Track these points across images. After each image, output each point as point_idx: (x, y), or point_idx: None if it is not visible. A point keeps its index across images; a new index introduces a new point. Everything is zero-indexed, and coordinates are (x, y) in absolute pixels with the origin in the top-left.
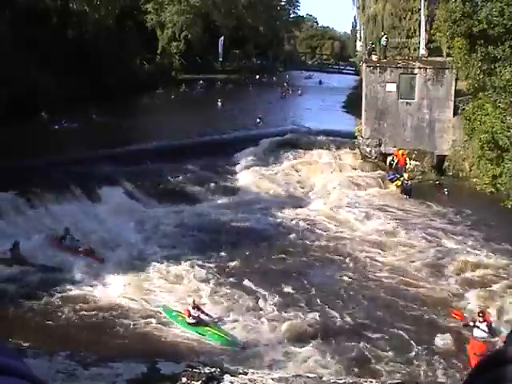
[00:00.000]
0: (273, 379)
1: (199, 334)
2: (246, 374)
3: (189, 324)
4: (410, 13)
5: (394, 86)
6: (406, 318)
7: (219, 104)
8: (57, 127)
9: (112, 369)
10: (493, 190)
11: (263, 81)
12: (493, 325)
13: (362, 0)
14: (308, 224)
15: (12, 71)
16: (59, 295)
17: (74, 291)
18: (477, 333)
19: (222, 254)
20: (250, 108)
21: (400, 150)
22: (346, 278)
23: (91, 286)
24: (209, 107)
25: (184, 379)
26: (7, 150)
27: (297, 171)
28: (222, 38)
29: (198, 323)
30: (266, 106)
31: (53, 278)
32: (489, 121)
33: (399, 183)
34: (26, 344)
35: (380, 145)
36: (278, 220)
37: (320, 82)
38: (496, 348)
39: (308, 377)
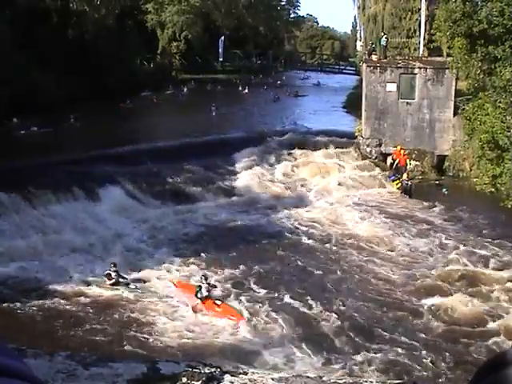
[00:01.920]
0: (273, 379)
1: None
2: (246, 373)
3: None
4: (410, 13)
5: (395, 85)
6: (407, 317)
7: (208, 109)
8: (23, 132)
9: (112, 369)
10: (493, 189)
11: (256, 82)
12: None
13: (362, 0)
14: (308, 224)
15: (12, 71)
16: (59, 295)
17: (74, 291)
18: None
19: (222, 254)
20: (243, 113)
21: (400, 147)
22: (346, 278)
23: (91, 286)
24: (193, 114)
25: (184, 379)
26: (7, 149)
27: (297, 171)
28: (222, 37)
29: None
30: (259, 111)
31: (52, 278)
32: (489, 121)
33: (399, 183)
34: (26, 344)
35: (380, 145)
36: (278, 220)
37: (318, 84)
38: (501, 350)
39: (308, 377)
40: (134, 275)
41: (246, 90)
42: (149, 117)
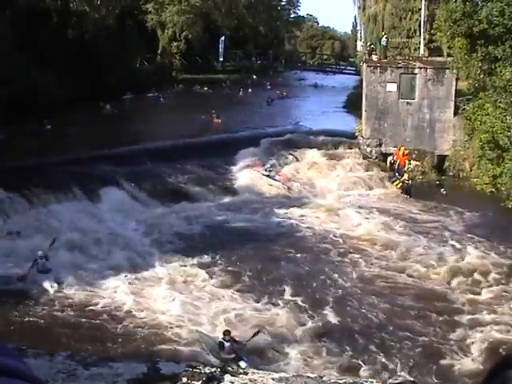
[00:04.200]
0: (273, 379)
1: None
2: (246, 374)
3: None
4: (410, 13)
5: (395, 85)
6: (406, 318)
7: (183, 117)
8: None
9: (112, 369)
10: (493, 189)
11: (251, 83)
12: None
13: (362, 0)
14: (308, 224)
15: (12, 71)
16: (60, 296)
17: (75, 292)
18: None
19: (222, 254)
20: (232, 120)
21: (401, 147)
22: (346, 278)
23: (91, 287)
24: (167, 127)
25: (184, 379)
26: (7, 149)
27: (297, 171)
28: (223, 37)
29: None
30: (247, 118)
31: (52, 279)
32: (489, 121)
33: (400, 183)
34: (27, 344)
35: (380, 145)
36: (278, 220)
37: (316, 85)
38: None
39: (308, 377)
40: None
41: (241, 93)
42: (124, 123)
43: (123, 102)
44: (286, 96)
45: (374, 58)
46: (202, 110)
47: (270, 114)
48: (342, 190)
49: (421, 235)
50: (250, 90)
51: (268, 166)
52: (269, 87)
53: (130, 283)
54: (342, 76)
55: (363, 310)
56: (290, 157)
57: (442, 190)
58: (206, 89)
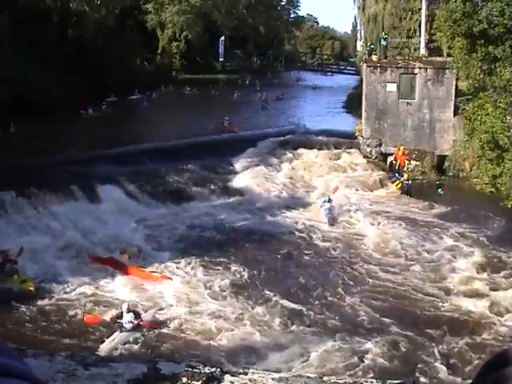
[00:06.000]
0: (273, 379)
1: None
2: (246, 374)
3: None
4: (410, 13)
5: (395, 85)
6: (406, 318)
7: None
8: None
9: (112, 369)
10: (493, 189)
11: (243, 84)
12: None
13: (362, 0)
14: (308, 224)
15: (12, 71)
16: (59, 295)
17: (75, 292)
18: None
19: (222, 254)
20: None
21: (401, 146)
22: (346, 279)
23: (91, 287)
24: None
25: (184, 379)
26: (8, 149)
27: (297, 171)
28: (223, 37)
29: None
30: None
31: (52, 278)
32: (489, 121)
33: (400, 184)
34: (27, 344)
35: (380, 145)
36: (278, 220)
37: (314, 87)
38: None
39: (308, 377)
40: None
41: (235, 95)
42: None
43: (100, 106)
44: (281, 98)
45: (374, 58)
46: (185, 117)
47: (263, 119)
48: (341, 190)
49: (420, 235)
50: (239, 93)
51: (325, 205)
52: (258, 88)
53: (130, 283)
54: (342, 76)
55: (360, 310)
56: (290, 156)
57: (440, 190)
58: (193, 90)
